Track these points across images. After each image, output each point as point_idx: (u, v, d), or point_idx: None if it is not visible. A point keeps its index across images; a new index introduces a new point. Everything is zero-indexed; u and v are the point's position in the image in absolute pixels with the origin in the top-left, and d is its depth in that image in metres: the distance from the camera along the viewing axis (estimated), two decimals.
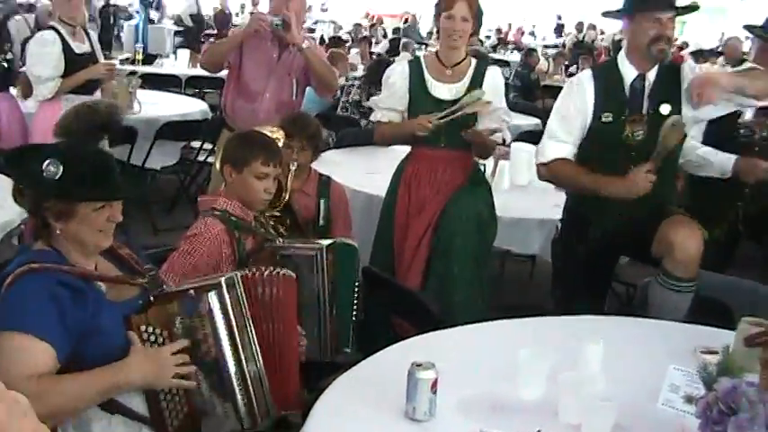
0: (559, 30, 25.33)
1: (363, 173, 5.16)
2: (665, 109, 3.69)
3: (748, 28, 4.44)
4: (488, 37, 21.34)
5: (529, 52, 13.80)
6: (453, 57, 4.13)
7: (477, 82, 4.12)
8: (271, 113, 4.92)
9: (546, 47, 20.18)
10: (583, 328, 2.95)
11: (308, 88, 5.29)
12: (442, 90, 4.11)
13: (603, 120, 3.72)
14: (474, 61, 4.19)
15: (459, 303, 3.95)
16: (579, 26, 21.89)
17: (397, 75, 4.20)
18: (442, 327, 2.92)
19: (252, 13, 4.78)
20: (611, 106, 3.72)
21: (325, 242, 3.22)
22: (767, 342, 2.39)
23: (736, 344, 2.58)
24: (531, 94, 12.08)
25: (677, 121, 3.55)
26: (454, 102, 4.07)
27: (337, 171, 4.59)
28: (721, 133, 3.78)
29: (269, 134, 3.56)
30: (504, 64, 13.74)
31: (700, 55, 9.34)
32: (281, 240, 3.25)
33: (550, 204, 4.43)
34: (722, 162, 4.10)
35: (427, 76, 4.13)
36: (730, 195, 4.03)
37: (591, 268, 3.89)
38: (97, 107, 2.88)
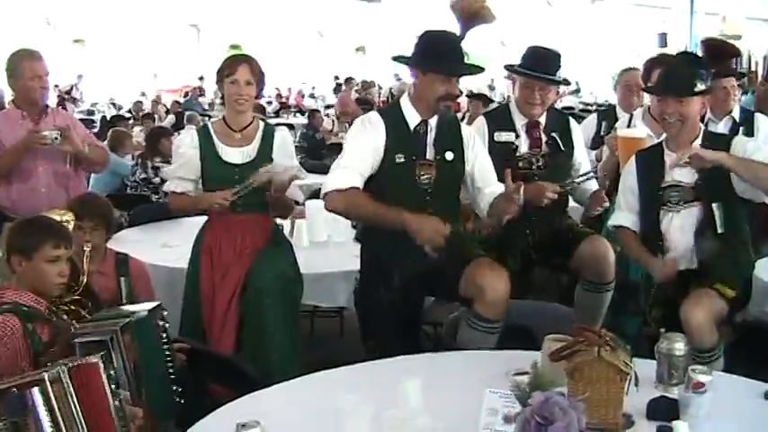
0: (338, 89, 25.82)
1: (161, 246, 5.08)
2: (449, 155, 3.86)
3: (507, 67, 4.68)
4: (270, 102, 21.46)
5: (312, 113, 14.04)
6: (241, 121, 4.16)
7: (267, 143, 4.16)
8: (51, 186, 4.79)
9: (327, 107, 20.55)
10: (399, 368, 3.02)
11: None
12: (233, 155, 4.13)
13: (397, 161, 3.79)
14: (262, 123, 4.24)
15: (275, 362, 3.94)
16: (359, 84, 22.44)
17: (187, 144, 4.18)
18: (261, 387, 2.91)
19: (29, 131, 4.58)
20: (402, 148, 3.80)
21: (121, 321, 3.00)
22: (570, 354, 2.55)
23: (543, 360, 2.72)
24: (318, 153, 12.27)
25: None
26: (246, 165, 4.10)
27: (135, 248, 4.51)
28: (502, 169, 3.92)
29: (57, 217, 3.45)
30: (288, 127, 13.87)
31: (473, 97, 10.18)
32: (74, 327, 3.11)
33: (350, 255, 4.48)
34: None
35: (217, 142, 4.13)
36: (519, 225, 4.17)
37: (399, 313, 3.94)
38: None
